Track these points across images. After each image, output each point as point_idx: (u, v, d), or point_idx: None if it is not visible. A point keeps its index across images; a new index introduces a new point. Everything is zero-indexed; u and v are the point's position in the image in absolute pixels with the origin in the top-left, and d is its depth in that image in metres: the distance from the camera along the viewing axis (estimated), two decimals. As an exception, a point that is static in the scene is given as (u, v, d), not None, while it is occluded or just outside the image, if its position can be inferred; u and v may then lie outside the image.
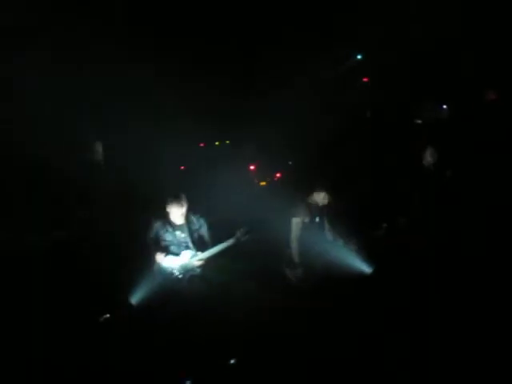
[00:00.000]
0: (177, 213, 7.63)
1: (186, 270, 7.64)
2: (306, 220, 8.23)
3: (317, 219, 8.28)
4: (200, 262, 7.63)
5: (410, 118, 10.90)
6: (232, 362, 6.91)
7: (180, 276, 7.60)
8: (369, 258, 8.13)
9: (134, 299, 7.65)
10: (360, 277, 8.00)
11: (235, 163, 11.10)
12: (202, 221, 7.82)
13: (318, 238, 8.18)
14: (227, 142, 11.81)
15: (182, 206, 7.61)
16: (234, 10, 10.57)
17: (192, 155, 11.29)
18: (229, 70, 10.84)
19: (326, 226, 8.29)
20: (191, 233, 7.71)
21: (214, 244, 7.68)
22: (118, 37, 9.82)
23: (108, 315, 7.87)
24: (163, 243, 7.73)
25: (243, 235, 7.49)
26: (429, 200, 8.93)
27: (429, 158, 9.16)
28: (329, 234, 8.29)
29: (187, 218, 7.71)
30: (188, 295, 7.54)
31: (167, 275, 7.65)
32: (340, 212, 8.36)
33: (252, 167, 11.54)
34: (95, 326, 7.74)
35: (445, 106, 10.73)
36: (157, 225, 7.74)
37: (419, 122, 10.90)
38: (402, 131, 10.70)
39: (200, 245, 7.74)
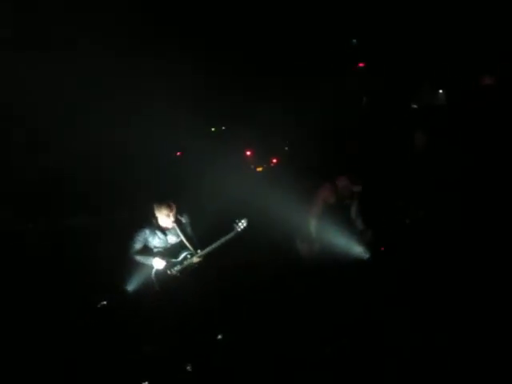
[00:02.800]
0: (166, 217, 7.39)
1: (185, 270, 7.48)
2: (331, 201, 8.10)
3: (344, 203, 8.13)
4: (198, 260, 7.47)
5: (406, 103, 10.85)
6: (219, 337, 7.19)
7: (178, 274, 7.42)
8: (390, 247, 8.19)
9: (130, 286, 7.66)
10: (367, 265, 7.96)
11: (232, 149, 11.04)
12: (187, 218, 7.61)
13: (340, 220, 8.02)
14: (223, 127, 11.72)
15: (171, 209, 7.37)
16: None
17: (187, 141, 11.04)
18: (227, 55, 10.73)
19: (353, 211, 8.17)
20: (184, 233, 7.50)
21: (212, 238, 7.50)
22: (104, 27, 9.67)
23: (105, 302, 8.06)
24: (155, 250, 7.48)
25: (242, 226, 7.36)
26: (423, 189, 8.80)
27: (418, 143, 9.13)
28: (354, 220, 8.19)
29: (176, 219, 7.46)
30: (186, 289, 7.44)
31: (165, 277, 7.44)
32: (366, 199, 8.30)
33: (248, 153, 11.47)
34: (93, 312, 7.95)
35: (441, 91, 10.67)
36: (145, 234, 7.45)
37: (415, 106, 10.84)
38: (398, 116, 10.63)
39: (195, 242, 7.56)
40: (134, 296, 7.65)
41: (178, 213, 7.43)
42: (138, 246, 7.42)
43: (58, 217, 9.80)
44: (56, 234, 9.53)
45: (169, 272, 7.36)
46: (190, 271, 7.41)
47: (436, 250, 8.04)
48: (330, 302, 7.50)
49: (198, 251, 7.42)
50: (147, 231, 7.41)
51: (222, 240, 7.37)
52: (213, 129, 11.65)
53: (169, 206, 7.32)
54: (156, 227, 7.42)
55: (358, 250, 7.95)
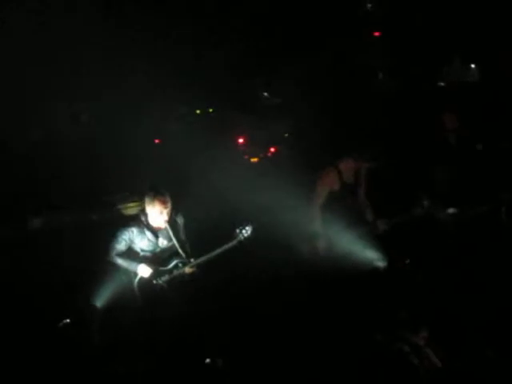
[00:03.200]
0: (158, 215, 6.81)
1: (174, 280, 7.00)
2: (336, 188, 7.51)
3: (350, 189, 7.60)
4: (192, 270, 6.91)
5: (431, 80, 10.18)
6: (207, 361, 6.52)
7: (164, 285, 6.94)
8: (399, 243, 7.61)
9: (99, 301, 7.12)
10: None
11: (221, 136, 10.33)
12: (182, 219, 7.08)
13: (347, 211, 7.47)
14: (210, 110, 10.90)
15: (166, 205, 6.78)
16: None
17: (168, 127, 10.53)
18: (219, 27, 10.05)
19: (361, 198, 7.65)
20: (177, 237, 6.94)
21: (209, 246, 6.91)
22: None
23: (68, 320, 7.30)
24: (141, 254, 6.97)
25: (246, 234, 6.73)
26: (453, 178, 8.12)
27: (449, 126, 8.39)
28: (363, 209, 7.66)
29: (170, 219, 6.90)
30: (171, 300, 6.96)
31: (150, 287, 6.94)
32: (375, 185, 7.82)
33: (241, 140, 10.68)
34: (53, 331, 7.19)
35: (473, 66, 10.05)
36: (131, 233, 6.92)
37: (442, 84, 10.19)
38: (421, 96, 9.88)
39: (189, 249, 7.03)
40: (109, 308, 7.09)
41: (173, 211, 6.92)
42: (121, 247, 6.93)
43: (31, 217, 9.26)
44: (27, 235, 9.05)
45: (155, 282, 6.88)
46: (179, 282, 6.92)
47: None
48: (333, 314, 6.82)
49: (192, 260, 6.88)
50: (134, 230, 6.90)
51: (221, 249, 6.79)
52: (198, 111, 10.85)
53: (163, 202, 6.76)
54: (145, 226, 6.91)
55: (371, 255, 7.39)
